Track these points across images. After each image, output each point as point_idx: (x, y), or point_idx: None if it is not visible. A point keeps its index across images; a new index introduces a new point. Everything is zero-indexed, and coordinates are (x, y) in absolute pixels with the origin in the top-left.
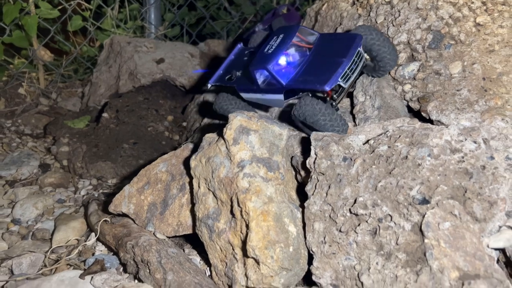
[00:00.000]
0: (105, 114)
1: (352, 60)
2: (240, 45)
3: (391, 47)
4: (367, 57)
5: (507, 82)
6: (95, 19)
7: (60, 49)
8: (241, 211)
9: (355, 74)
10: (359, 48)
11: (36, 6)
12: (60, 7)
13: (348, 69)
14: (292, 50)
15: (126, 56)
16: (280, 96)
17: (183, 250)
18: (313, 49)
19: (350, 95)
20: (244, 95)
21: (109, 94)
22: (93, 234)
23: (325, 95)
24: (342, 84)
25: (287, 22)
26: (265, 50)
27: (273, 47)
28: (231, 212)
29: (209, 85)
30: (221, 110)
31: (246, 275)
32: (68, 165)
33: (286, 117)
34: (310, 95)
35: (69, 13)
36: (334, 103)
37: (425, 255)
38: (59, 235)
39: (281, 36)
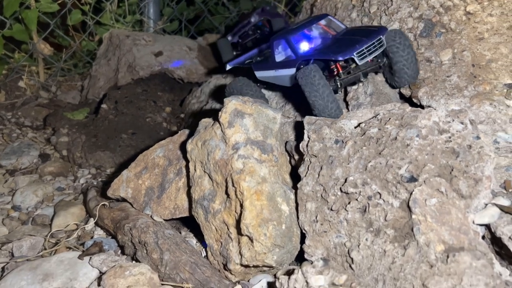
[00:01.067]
0: (104, 105)
1: (371, 42)
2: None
3: (411, 57)
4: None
5: (495, 68)
6: (95, 13)
7: (59, 43)
8: (235, 191)
9: (371, 56)
10: (381, 36)
11: (36, 0)
12: (59, 1)
13: (366, 48)
14: (315, 32)
15: (125, 49)
16: (293, 71)
17: (180, 233)
18: (336, 34)
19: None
20: (258, 73)
21: (108, 86)
22: (91, 219)
23: (334, 71)
24: (356, 59)
25: (258, 13)
26: (290, 27)
27: (298, 25)
28: (226, 192)
29: (228, 67)
30: (234, 92)
31: (240, 253)
32: (67, 155)
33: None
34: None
35: (69, 7)
36: (338, 80)
37: (412, 230)
38: (59, 220)
39: (309, 19)
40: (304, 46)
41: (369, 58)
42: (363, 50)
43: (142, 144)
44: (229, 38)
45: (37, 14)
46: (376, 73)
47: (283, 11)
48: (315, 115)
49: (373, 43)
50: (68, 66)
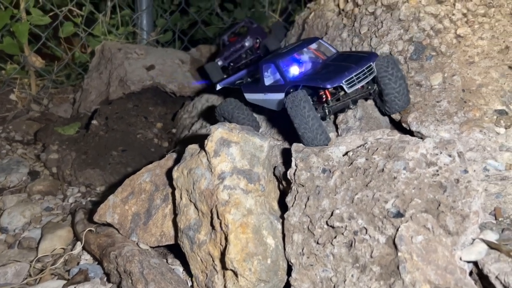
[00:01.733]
0: (94, 121)
1: (361, 70)
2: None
3: (402, 89)
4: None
5: (486, 93)
6: (87, 25)
7: (52, 54)
8: (220, 223)
9: (360, 84)
10: (371, 63)
11: (28, 13)
12: (51, 14)
13: (355, 76)
14: (305, 56)
15: (117, 63)
16: (281, 96)
17: (166, 260)
18: (326, 59)
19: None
20: (248, 95)
21: (100, 100)
22: (79, 243)
23: (323, 98)
24: (345, 87)
25: (252, 35)
26: (280, 50)
27: (288, 48)
28: (211, 224)
29: (218, 87)
30: (224, 114)
31: (225, 286)
32: (57, 172)
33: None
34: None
35: (61, 19)
36: (326, 107)
37: (398, 268)
38: (45, 244)
39: (299, 42)
40: (294, 71)
41: (358, 86)
42: (352, 77)
43: (132, 161)
44: (220, 62)
45: (28, 27)
46: (366, 99)
47: (278, 20)
48: (303, 144)
49: (363, 70)
50: (61, 78)
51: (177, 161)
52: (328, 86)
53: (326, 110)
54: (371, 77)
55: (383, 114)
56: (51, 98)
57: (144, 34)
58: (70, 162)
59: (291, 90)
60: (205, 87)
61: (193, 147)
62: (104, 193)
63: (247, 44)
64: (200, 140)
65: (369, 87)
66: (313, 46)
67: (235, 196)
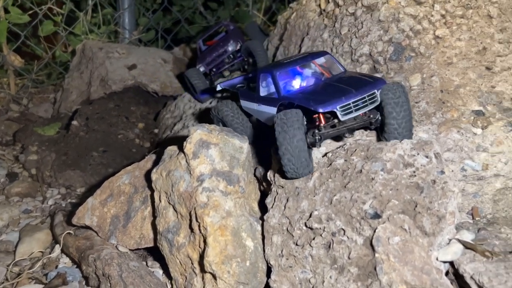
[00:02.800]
0: (74, 122)
1: (362, 97)
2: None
3: (406, 121)
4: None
5: (463, 94)
6: (68, 23)
7: (31, 53)
8: (199, 226)
9: (358, 112)
10: (375, 90)
11: (6, 11)
12: (31, 12)
13: (353, 103)
14: (308, 70)
15: (98, 62)
16: (273, 110)
17: (146, 263)
18: (331, 77)
19: None
20: (243, 102)
21: (81, 100)
22: (57, 246)
23: (316, 122)
24: (339, 113)
25: (234, 38)
26: (282, 60)
27: (291, 59)
28: (190, 226)
29: (219, 87)
30: (219, 116)
31: None
32: (36, 174)
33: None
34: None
35: (40, 18)
36: (317, 133)
37: (375, 269)
38: (23, 247)
39: (305, 54)
40: (291, 85)
41: (354, 115)
42: (348, 104)
43: (113, 162)
44: (202, 68)
45: (7, 26)
46: (365, 128)
47: (262, 20)
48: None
49: (363, 98)
50: (41, 77)
51: (156, 162)
52: (320, 110)
53: (317, 137)
54: (372, 106)
55: (379, 139)
56: (31, 98)
57: (126, 33)
58: (50, 163)
59: (281, 108)
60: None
61: (172, 149)
62: (85, 194)
63: (230, 48)
64: (180, 141)
65: (371, 116)
66: (320, 60)
67: (214, 198)
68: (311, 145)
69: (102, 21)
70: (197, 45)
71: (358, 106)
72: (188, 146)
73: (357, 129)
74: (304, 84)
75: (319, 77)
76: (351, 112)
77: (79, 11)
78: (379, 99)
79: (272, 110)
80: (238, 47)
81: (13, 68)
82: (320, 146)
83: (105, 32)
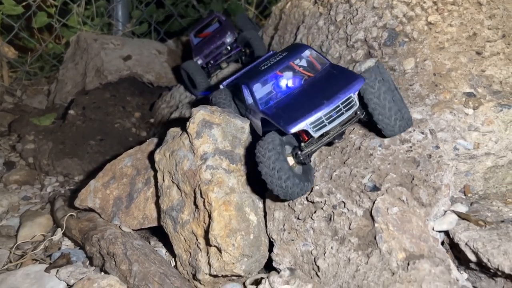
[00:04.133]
0: (71, 111)
1: (334, 107)
2: (271, 52)
3: (393, 109)
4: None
5: (455, 77)
6: (61, 15)
7: (25, 46)
8: (203, 202)
9: (333, 124)
10: (352, 94)
11: (0, 3)
12: (24, 3)
13: (325, 116)
14: (288, 74)
15: (93, 53)
16: (258, 123)
17: (149, 243)
18: (309, 80)
19: None
20: (238, 103)
21: (76, 91)
22: (59, 229)
23: (300, 137)
24: (310, 131)
25: (230, 30)
26: (261, 65)
27: (269, 64)
28: (195, 203)
29: (221, 87)
30: (214, 101)
31: (209, 263)
32: (34, 163)
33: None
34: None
35: (34, 9)
36: (299, 155)
37: (375, 238)
38: (25, 231)
39: (284, 54)
40: (269, 97)
41: (328, 128)
42: (320, 118)
43: (110, 150)
44: (199, 61)
45: (0, 17)
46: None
47: (254, 13)
48: None
49: (337, 107)
50: (34, 70)
51: (158, 145)
52: (289, 131)
53: (301, 158)
54: (350, 111)
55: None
56: (24, 89)
57: (119, 25)
58: (47, 152)
59: (264, 120)
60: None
61: (174, 130)
62: (83, 182)
63: (228, 40)
64: (181, 123)
65: (357, 113)
66: (299, 60)
67: (217, 175)
68: (301, 163)
69: (95, 13)
70: (190, 38)
71: (332, 118)
72: (192, 126)
73: (345, 131)
74: (284, 89)
75: (300, 80)
76: (324, 126)
77: (72, 3)
78: (357, 101)
79: (257, 122)
80: (234, 38)
81: (7, 60)
82: (309, 161)
83: (98, 24)
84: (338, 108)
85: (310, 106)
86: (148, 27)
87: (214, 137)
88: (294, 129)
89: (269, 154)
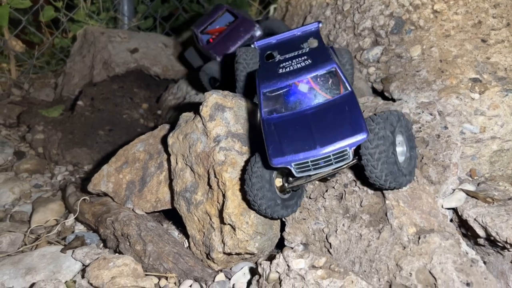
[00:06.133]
0: (80, 102)
1: (323, 156)
2: (318, 24)
3: (385, 171)
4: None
5: (461, 64)
6: (68, 10)
7: (30, 41)
8: (217, 182)
9: (319, 171)
10: (347, 148)
11: None
12: None
13: (312, 162)
14: (304, 87)
15: (100, 46)
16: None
17: (162, 225)
18: (319, 105)
19: None
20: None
21: (83, 83)
22: (71, 214)
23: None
24: (293, 171)
25: (252, 22)
26: (280, 65)
27: (288, 69)
28: (208, 184)
29: (253, 46)
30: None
31: (223, 241)
32: (43, 152)
33: None
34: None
35: (41, 3)
36: (286, 187)
37: (386, 215)
38: (38, 216)
39: (308, 61)
40: (274, 107)
41: (313, 173)
42: (306, 162)
43: (119, 140)
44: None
45: (9, 11)
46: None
47: (257, 9)
48: None
49: (328, 157)
50: (41, 64)
51: (170, 130)
52: (273, 164)
53: (286, 190)
54: (340, 164)
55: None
56: (32, 83)
57: (125, 19)
58: (56, 142)
59: None
60: (188, 70)
61: (187, 114)
62: (92, 171)
63: (258, 33)
64: (193, 108)
65: (349, 162)
66: (327, 72)
67: (231, 156)
68: (287, 192)
69: (101, 8)
70: (196, 36)
71: (318, 165)
72: (205, 110)
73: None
74: (291, 105)
75: (312, 99)
76: (309, 170)
77: None
78: (351, 155)
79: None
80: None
81: (14, 53)
82: (295, 189)
83: (104, 19)
84: (328, 158)
85: (302, 144)
86: (153, 22)
87: (226, 120)
88: (278, 164)
89: (254, 180)
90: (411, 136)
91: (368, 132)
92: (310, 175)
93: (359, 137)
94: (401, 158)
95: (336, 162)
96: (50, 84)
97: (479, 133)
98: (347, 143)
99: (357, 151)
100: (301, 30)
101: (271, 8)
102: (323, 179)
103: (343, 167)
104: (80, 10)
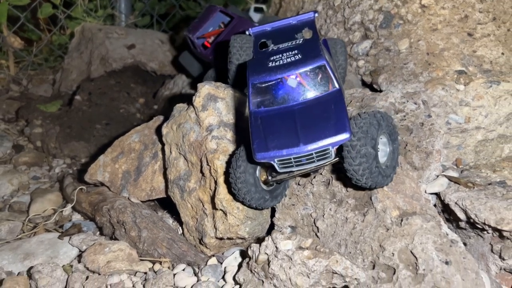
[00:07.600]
0: (77, 97)
1: (306, 154)
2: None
3: (365, 176)
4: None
5: (447, 56)
6: (66, 7)
7: (28, 38)
8: (210, 169)
9: (301, 168)
10: (330, 147)
11: None
12: None
13: (295, 159)
14: (292, 82)
15: (98, 42)
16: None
17: (157, 213)
18: (306, 101)
19: None
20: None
21: (81, 79)
22: (69, 204)
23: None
24: (276, 166)
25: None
26: (270, 58)
27: (278, 63)
28: (201, 171)
29: (247, 32)
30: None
31: (215, 226)
32: (41, 146)
33: None
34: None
35: (39, 1)
36: (270, 180)
37: (371, 199)
38: (36, 206)
39: (298, 55)
40: (262, 99)
41: (295, 169)
42: (289, 159)
43: (116, 134)
44: None
45: (7, 8)
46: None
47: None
48: None
49: (310, 154)
50: (39, 60)
51: (164, 121)
52: (257, 159)
53: (270, 183)
54: (322, 162)
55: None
56: (30, 79)
57: (122, 17)
58: (54, 135)
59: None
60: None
61: (181, 105)
62: (89, 164)
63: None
64: (186, 100)
65: (331, 161)
66: (317, 67)
67: (222, 144)
68: (270, 184)
69: (99, 5)
70: (193, 42)
71: (301, 163)
72: (197, 100)
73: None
74: (279, 100)
75: (300, 94)
76: (291, 166)
77: None
78: (333, 154)
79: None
80: None
81: (13, 50)
82: (278, 183)
83: (102, 16)
84: (310, 156)
85: (286, 140)
86: (150, 19)
87: (218, 110)
88: (261, 159)
89: (238, 174)
90: (393, 131)
91: (351, 132)
92: (292, 171)
93: (342, 137)
94: (384, 158)
95: (318, 160)
96: (48, 80)
97: (464, 123)
98: (329, 142)
99: (340, 149)
100: (297, 19)
101: (251, 6)
102: (306, 175)
103: (325, 164)
104: (77, 8)
